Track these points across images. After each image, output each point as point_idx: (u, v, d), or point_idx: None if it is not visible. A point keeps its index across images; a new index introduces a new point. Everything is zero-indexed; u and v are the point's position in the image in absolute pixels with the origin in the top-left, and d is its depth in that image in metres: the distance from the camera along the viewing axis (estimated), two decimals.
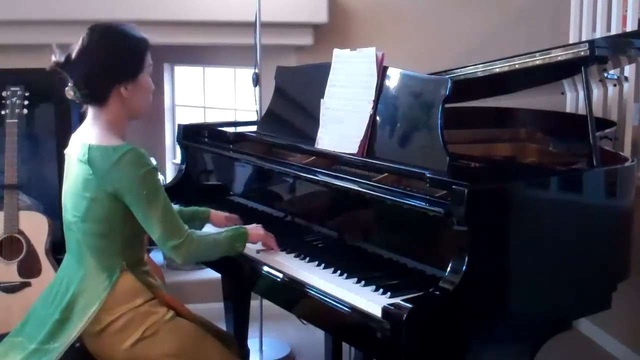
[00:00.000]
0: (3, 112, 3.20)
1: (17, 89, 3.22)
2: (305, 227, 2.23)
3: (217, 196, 2.67)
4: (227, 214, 2.32)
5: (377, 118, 2.19)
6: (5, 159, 3.15)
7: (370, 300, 1.70)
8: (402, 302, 1.63)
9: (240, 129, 2.78)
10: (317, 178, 2.16)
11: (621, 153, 2.51)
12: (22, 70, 3.35)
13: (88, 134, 1.97)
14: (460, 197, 1.69)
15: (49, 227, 3.15)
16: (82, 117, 2.04)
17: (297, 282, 1.94)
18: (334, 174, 2.13)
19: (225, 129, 2.78)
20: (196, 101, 4.30)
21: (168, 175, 4.19)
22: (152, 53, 2.04)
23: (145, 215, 1.91)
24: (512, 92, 2.82)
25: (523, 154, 2.63)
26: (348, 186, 2.03)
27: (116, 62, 1.96)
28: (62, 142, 2.11)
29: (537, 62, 2.21)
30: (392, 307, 1.63)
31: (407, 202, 1.84)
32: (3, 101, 3.21)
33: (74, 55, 1.95)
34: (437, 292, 1.67)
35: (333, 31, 3.64)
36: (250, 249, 2.12)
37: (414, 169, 1.96)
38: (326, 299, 1.82)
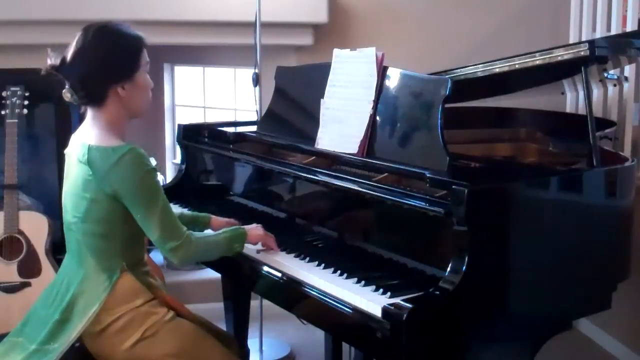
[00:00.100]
0: (3, 112, 3.19)
1: (17, 89, 3.22)
2: (305, 227, 2.23)
3: (217, 196, 2.67)
4: (228, 219, 2.30)
5: (377, 118, 2.19)
6: (5, 159, 3.15)
7: (370, 300, 1.70)
8: (402, 302, 1.63)
9: (240, 129, 2.78)
10: (317, 178, 2.16)
11: (621, 153, 2.51)
12: (22, 70, 3.35)
13: (88, 134, 1.97)
14: (460, 197, 1.69)
15: (49, 227, 3.15)
16: (82, 117, 2.04)
17: (297, 282, 1.94)
18: (334, 174, 2.13)
19: (225, 129, 2.78)
20: (196, 101, 4.30)
21: (168, 175, 4.19)
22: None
23: (143, 216, 1.91)
24: (512, 92, 2.82)
25: (523, 154, 2.63)
26: (348, 186, 2.03)
27: (111, 62, 1.95)
28: (62, 142, 2.11)
29: (537, 62, 2.21)
30: (392, 307, 1.63)
31: (407, 202, 1.84)
32: (3, 101, 3.21)
33: (68, 57, 1.94)
34: (437, 292, 1.67)
35: (333, 31, 3.64)
36: (250, 249, 2.12)
37: (414, 169, 1.96)
38: (326, 299, 1.82)
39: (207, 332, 2.09)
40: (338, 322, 1.83)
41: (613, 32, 3.20)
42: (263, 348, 3.31)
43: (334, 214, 2.16)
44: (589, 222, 2.04)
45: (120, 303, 1.96)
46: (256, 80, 3.23)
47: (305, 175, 2.21)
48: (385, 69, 2.21)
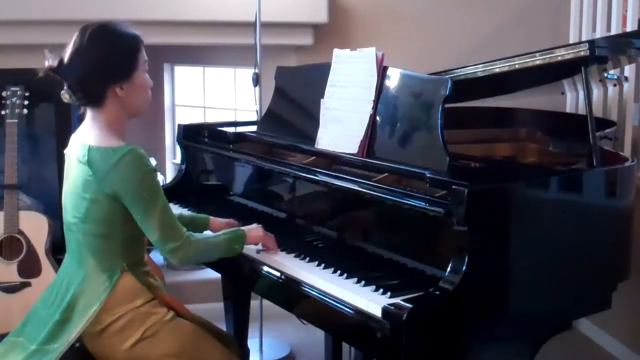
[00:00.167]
0: (3, 112, 3.19)
1: (17, 89, 3.22)
2: (305, 227, 2.23)
3: (217, 196, 2.67)
4: (227, 220, 2.30)
5: (377, 118, 2.19)
6: (5, 159, 3.14)
7: (370, 300, 1.70)
8: (402, 302, 1.63)
9: (240, 129, 2.78)
10: (317, 178, 2.16)
11: (621, 153, 2.51)
12: (22, 70, 3.35)
13: (87, 135, 1.97)
14: (460, 197, 1.69)
15: (49, 227, 3.15)
16: (81, 118, 2.04)
17: (297, 282, 1.94)
18: (334, 174, 2.13)
19: (225, 129, 2.78)
20: (196, 101, 4.30)
21: (168, 175, 4.19)
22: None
23: (143, 216, 1.91)
24: (512, 92, 2.82)
25: (523, 154, 2.63)
26: (348, 186, 2.03)
27: (109, 62, 1.95)
28: (62, 142, 2.11)
29: (537, 62, 2.21)
30: (392, 307, 1.63)
31: (407, 202, 1.84)
32: (3, 101, 3.21)
33: (66, 58, 1.94)
34: (437, 292, 1.67)
35: (333, 31, 3.64)
36: (250, 249, 2.12)
37: (414, 169, 1.96)
38: (326, 299, 1.82)
39: (207, 332, 2.09)
40: (338, 322, 1.83)
41: (613, 32, 3.20)
42: (263, 348, 3.32)
43: (334, 214, 2.16)
44: (589, 222, 2.04)
45: (120, 303, 1.96)
46: (256, 80, 3.23)
47: (305, 175, 2.20)
48: (385, 69, 2.21)
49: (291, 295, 1.99)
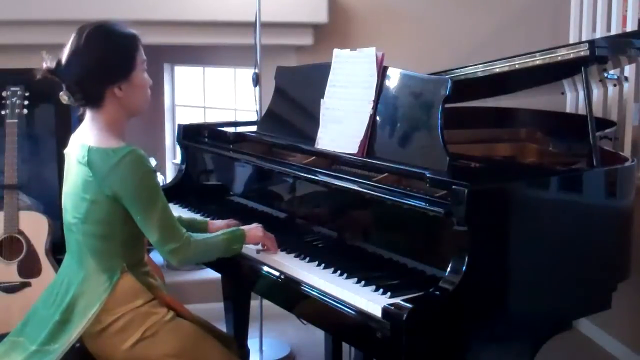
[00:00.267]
0: (3, 112, 3.19)
1: (17, 89, 3.22)
2: (305, 227, 2.23)
3: (217, 196, 2.67)
4: (226, 221, 2.29)
5: (377, 118, 2.19)
6: (5, 159, 3.15)
7: (370, 300, 1.70)
8: (402, 302, 1.63)
9: (240, 129, 2.78)
10: (317, 178, 2.16)
11: (621, 153, 2.51)
12: (22, 70, 3.33)
13: (87, 135, 1.96)
14: (460, 197, 1.69)
15: (49, 227, 3.15)
16: (81, 118, 2.04)
17: (297, 282, 1.94)
18: (334, 174, 2.13)
19: (225, 129, 2.78)
20: (196, 101, 4.30)
21: (168, 175, 4.19)
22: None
23: (143, 217, 1.91)
24: (512, 92, 2.82)
25: (523, 154, 2.63)
26: (348, 186, 2.03)
27: (106, 63, 1.94)
28: (62, 142, 2.11)
29: (537, 62, 2.21)
30: (392, 307, 1.63)
31: (407, 202, 1.84)
32: (3, 101, 3.21)
33: (63, 59, 1.93)
34: (437, 292, 1.67)
35: (333, 31, 3.64)
36: (250, 249, 2.12)
37: (414, 169, 1.96)
38: (326, 299, 1.82)
39: (207, 333, 2.08)
40: (338, 322, 1.83)
41: (613, 32, 3.20)
42: (263, 348, 3.31)
43: (334, 214, 2.16)
44: (589, 222, 2.04)
45: (120, 303, 1.96)
46: (256, 80, 3.23)
47: (305, 175, 2.20)
48: (385, 69, 2.21)
49: (291, 295, 1.99)
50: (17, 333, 2.03)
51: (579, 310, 2.17)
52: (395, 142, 2.14)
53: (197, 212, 2.54)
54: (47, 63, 1.94)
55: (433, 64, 2.67)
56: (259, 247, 2.12)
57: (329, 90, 2.34)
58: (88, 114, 2.00)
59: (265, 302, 3.08)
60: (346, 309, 1.75)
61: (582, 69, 2.14)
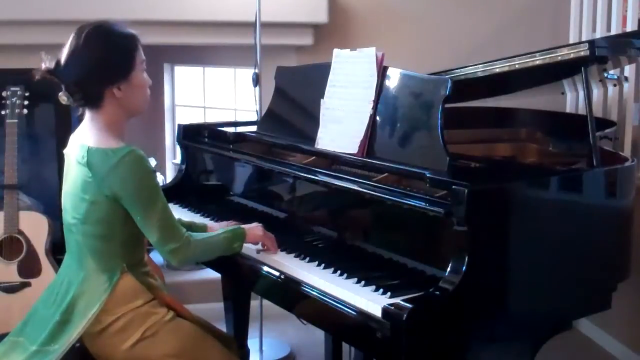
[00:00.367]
0: (3, 112, 3.19)
1: (17, 89, 3.22)
2: (305, 227, 2.23)
3: (217, 196, 2.67)
4: (226, 222, 2.29)
5: (377, 118, 2.19)
6: (5, 159, 3.15)
7: (370, 300, 1.70)
8: (402, 302, 1.63)
9: (240, 129, 2.78)
10: (317, 178, 2.16)
11: (621, 153, 2.51)
12: (22, 70, 3.32)
13: (86, 136, 1.96)
14: (460, 197, 1.69)
15: (49, 227, 3.15)
16: (81, 118, 2.04)
17: (297, 282, 1.94)
18: (334, 174, 2.13)
19: (225, 129, 2.78)
20: (196, 101, 4.30)
21: (168, 175, 4.19)
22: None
23: (143, 218, 1.91)
24: (512, 92, 2.82)
25: (523, 154, 2.63)
26: (348, 186, 2.03)
27: (105, 63, 1.94)
28: (62, 142, 2.11)
29: (537, 62, 2.21)
30: (392, 307, 1.63)
31: (407, 202, 1.84)
32: (3, 101, 3.21)
33: (62, 59, 1.93)
34: (437, 292, 1.67)
35: (333, 31, 3.64)
36: (250, 248, 2.12)
37: (414, 169, 1.96)
38: (326, 299, 1.82)
39: (207, 333, 2.08)
40: (338, 322, 1.83)
41: (613, 32, 3.19)
42: (263, 348, 3.31)
43: (334, 214, 2.16)
44: (589, 222, 2.04)
45: (120, 303, 1.96)
46: (256, 80, 3.23)
47: (305, 175, 2.20)
48: (385, 69, 2.21)
49: (291, 295, 1.99)
50: (17, 333, 2.03)
51: (579, 310, 2.17)
52: (395, 142, 2.14)
53: (197, 212, 2.54)
54: (46, 63, 1.94)
55: (433, 64, 2.67)
56: (259, 247, 2.12)
57: (329, 90, 2.34)
58: (87, 114, 2.00)
59: (265, 302, 3.08)
60: (346, 309, 1.75)
61: (582, 69, 2.14)
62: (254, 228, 2.11)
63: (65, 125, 3.53)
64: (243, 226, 2.12)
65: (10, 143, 3.15)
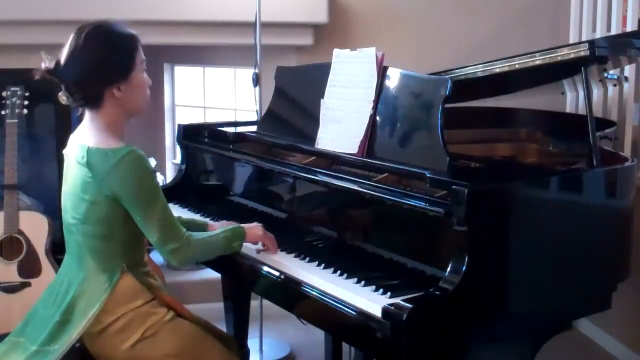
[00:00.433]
0: (3, 112, 3.19)
1: (17, 89, 3.22)
2: (305, 227, 2.23)
3: (217, 196, 2.67)
4: (225, 222, 2.28)
5: (377, 118, 2.19)
6: (5, 159, 3.15)
7: (370, 300, 1.70)
8: (402, 302, 1.63)
9: (240, 129, 2.78)
10: (317, 178, 2.16)
11: (621, 153, 2.51)
12: (22, 70, 3.31)
13: (86, 136, 1.96)
14: (460, 197, 1.69)
15: (49, 227, 3.15)
16: (81, 118, 2.04)
17: (297, 282, 1.94)
18: (334, 174, 2.13)
19: (225, 129, 2.78)
20: (196, 101, 4.30)
21: (168, 175, 4.19)
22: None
23: (143, 218, 1.91)
24: (512, 92, 2.82)
25: (523, 154, 2.63)
26: (348, 186, 2.03)
27: (105, 63, 1.94)
28: (62, 142, 2.11)
29: (537, 62, 2.21)
30: (392, 307, 1.63)
31: (407, 202, 1.84)
32: (3, 101, 3.21)
33: (62, 59, 1.93)
34: (437, 292, 1.67)
35: (333, 31, 3.64)
36: (250, 248, 2.12)
37: (414, 169, 1.96)
38: (326, 299, 1.82)
39: (207, 333, 2.08)
40: (338, 322, 1.83)
41: (613, 32, 3.19)
42: (263, 348, 3.31)
43: (334, 214, 2.16)
44: (589, 222, 2.04)
45: (120, 304, 1.96)
46: (256, 80, 3.23)
47: (305, 175, 2.20)
48: (385, 69, 2.21)
49: (291, 295, 1.99)
50: (18, 333, 2.03)
51: (579, 310, 2.17)
52: (395, 142, 2.14)
53: (197, 212, 2.54)
54: (46, 63, 1.94)
55: (433, 64, 2.67)
56: (259, 247, 2.12)
57: (329, 90, 2.34)
58: (87, 115, 1.99)
59: (265, 302, 3.08)
60: (346, 309, 1.75)
61: (582, 69, 2.14)
62: (254, 228, 2.11)
63: (65, 125, 3.53)
64: (243, 225, 2.12)
65: (10, 143, 3.15)
